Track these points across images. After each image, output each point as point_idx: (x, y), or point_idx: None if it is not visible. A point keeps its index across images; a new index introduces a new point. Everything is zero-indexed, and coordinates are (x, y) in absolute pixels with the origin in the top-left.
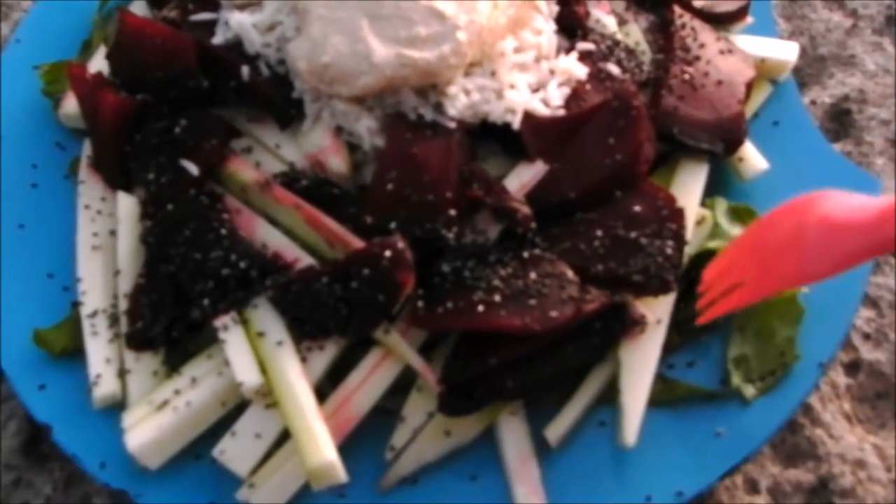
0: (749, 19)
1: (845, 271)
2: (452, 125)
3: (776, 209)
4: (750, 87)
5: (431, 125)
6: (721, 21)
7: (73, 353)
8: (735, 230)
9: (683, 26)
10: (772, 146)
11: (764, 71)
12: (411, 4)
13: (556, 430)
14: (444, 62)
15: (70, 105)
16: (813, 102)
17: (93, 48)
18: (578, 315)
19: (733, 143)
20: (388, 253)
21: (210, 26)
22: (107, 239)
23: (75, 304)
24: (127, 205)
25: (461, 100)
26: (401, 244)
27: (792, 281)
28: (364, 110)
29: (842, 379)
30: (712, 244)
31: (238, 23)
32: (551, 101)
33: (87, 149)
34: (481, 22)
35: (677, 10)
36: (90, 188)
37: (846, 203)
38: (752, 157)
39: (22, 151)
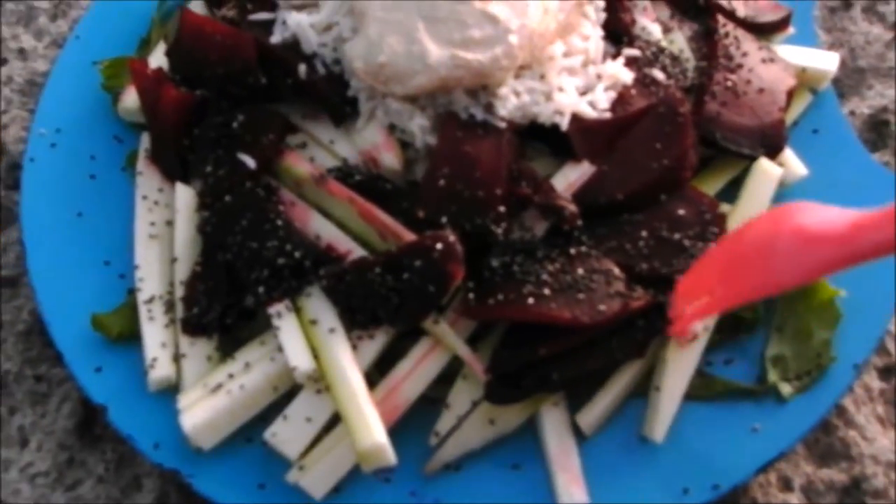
0: (790, 30)
1: (813, 281)
2: (503, 125)
3: (748, 220)
4: (791, 95)
5: (482, 125)
6: (763, 31)
7: (129, 338)
8: None
9: (727, 35)
10: (811, 154)
11: (804, 80)
12: (466, 8)
13: (587, 418)
14: (496, 64)
15: (129, 99)
16: (852, 113)
17: (151, 45)
18: (626, 310)
19: (774, 149)
20: (439, 245)
21: (268, 26)
22: (163, 228)
23: (131, 291)
24: (185, 195)
25: (511, 101)
26: (452, 237)
27: (760, 289)
28: (417, 109)
29: (875, 383)
30: None
31: (296, 23)
32: (598, 104)
33: (144, 141)
34: (532, 26)
35: (721, 19)
36: (148, 179)
37: (819, 214)
38: (793, 164)
39: (81, 144)
